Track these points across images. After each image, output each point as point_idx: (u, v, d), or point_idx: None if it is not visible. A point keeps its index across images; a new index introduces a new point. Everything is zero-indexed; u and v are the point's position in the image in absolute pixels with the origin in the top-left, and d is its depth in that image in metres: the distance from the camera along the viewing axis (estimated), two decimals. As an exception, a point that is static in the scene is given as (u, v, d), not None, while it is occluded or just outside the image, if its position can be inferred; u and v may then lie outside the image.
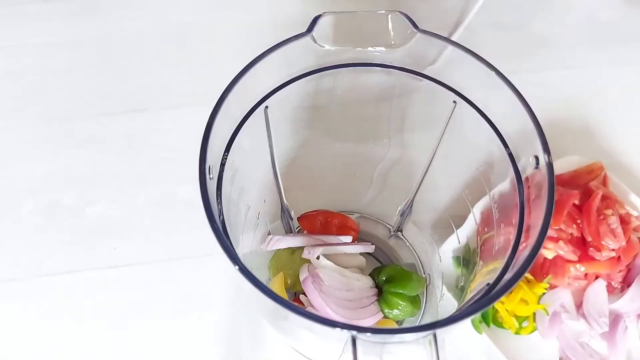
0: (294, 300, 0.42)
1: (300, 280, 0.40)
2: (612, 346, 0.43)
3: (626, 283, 0.46)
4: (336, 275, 0.40)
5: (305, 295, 0.39)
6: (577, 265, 0.45)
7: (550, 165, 0.29)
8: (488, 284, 0.29)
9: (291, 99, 0.36)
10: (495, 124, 0.33)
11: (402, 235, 0.47)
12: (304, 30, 0.33)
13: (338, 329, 0.25)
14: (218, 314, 0.46)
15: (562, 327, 0.44)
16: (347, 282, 0.40)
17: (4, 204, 0.52)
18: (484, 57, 0.32)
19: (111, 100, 0.58)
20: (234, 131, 0.33)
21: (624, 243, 0.44)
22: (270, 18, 0.63)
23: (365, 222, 0.48)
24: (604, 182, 0.49)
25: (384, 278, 0.42)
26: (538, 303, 0.44)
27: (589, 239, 0.45)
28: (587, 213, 0.45)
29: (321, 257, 0.40)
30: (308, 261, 0.41)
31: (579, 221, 0.46)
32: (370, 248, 0.45)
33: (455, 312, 0.32)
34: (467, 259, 0.39)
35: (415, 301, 0.41)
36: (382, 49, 0.35)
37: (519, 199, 0.31)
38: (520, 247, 0.30)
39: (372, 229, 0.48)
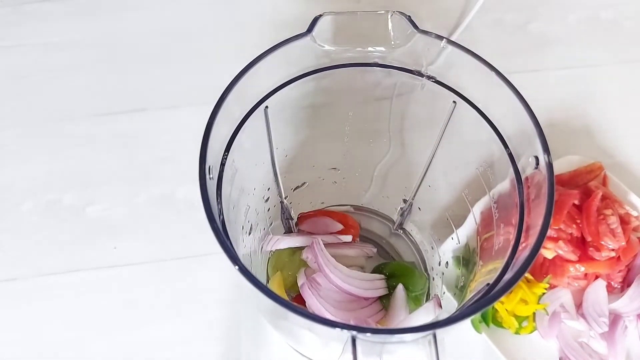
0: (293, 300, 0.42)
1: (298, 285, 0.40)
2: (611, 346, 0.43)
3: (626, 283, 0.46)
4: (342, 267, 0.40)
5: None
6: (577, 265, 0.45)
7: (550, 165, 0.29)
8: (488, 284, 0.29)
9: (291, 99, 0.36)
10: (495, 124, 0.33)
11: (402, 234, 0.47)
12: (304, 30, 0.33)
13: (338, 329, 0.25)
14: (218, 314, 0.46)
15: (561, 327, 0.44)
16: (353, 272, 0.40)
17: (4, 204, 0.52)
18: (484, 57, 0.32)
19: (111, 100, 0.58)
20: (234, 131, 0.33)
21: (623, 243, 0.44)
22: (270, 18, 0.63)
23: (365, 222, 0.48)
24: (604, 182, 0.49)
25: (387, 274, 0.42)
26: (538, 303, 0.44)
27: (589, 239, 0.45)
28: (587, 213, 0.46)
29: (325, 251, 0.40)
30: (307, 263, 0.41)
31: (578, 221, 0.46)
32: (371, 251, 0.45)
33: (455, 312, 0.32)
34: (467, 259, 0.39)
35: (417, 299, 0.41)
36: (382, 49, 0.35)
37: (518, 199, 0.31)
38: (520, 247, 0.30)
39: (373, 228, 0.48)
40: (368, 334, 0.25)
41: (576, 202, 0.46)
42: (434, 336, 0.26)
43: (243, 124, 0.34)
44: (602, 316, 0.44)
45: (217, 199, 0.30)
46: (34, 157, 0.55)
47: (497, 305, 0.44)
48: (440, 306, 0.36)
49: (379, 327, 0.39)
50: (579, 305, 0.45)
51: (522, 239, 0.30)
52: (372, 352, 0.26)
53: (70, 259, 0.49)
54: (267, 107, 0.35)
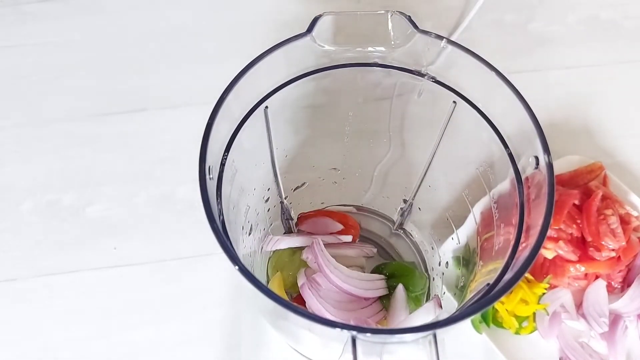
0: (293, 301, 0.42)
1: (298, 285, 0.40)
2: (611, 346, 0.43)
3: (626, 283, 0.46)
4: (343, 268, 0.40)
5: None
6: (577, 265, 0.45)
7: (550, 165, 0.29)
8: (488, 284, 0.29)
9: (291, 99, 0.36)
10: (495, 124, 0.33)
11: (402, 235, 0.47)
12: (304, 30, 0.33)
13: (338, 329, 0.25)
14: (218, 314, 0.46)
15: (562, 327, 0.44)
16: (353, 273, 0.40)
17: (4, 204, 0.52)
18: (484, 57, 0.32)
19: (111, 100, 0.58)
20: (234, 131, 0.33)
21: (624, 243, 0.44)
22: (270, 18, 0.63)
23: (365, 222, 0.48)
24: (604, 182, 0.49)
25: (387, 274, 0.42)
26: (538, 303, 0.44)
27: (589, 239, 0.45)
28: (587, 213, 0.45)
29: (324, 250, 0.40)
30: (307, 263, 0.41)
31: (579, 221, 0.46)
32: (371, 251, 0.45)
33: (456, 312, 0.32)
34: (467, 259, 0.39)
35: (417, 299, 0.41)
36: (382, 49, 0.35)
37: (518, 199, 0.31)
38: (520, 247, 0.30)
39: (373, 228, 0.48)
40: (368, 334, 0.25)
41: (576, 202, 0.46)
42: (434, 336, 0.26)
43: (243, 124, 0.34)
44: (603, 316, 0.44)
45: (217, 199, 0.30)
46: (34, 157, 0.55)
47: (497, 305, 0.44)
48: (441, 306, 0.36)
49: (379, 327, 0.39)
50: (579, 306, 0.45)
51: (522, 239, 0.30)
52: (372, 352, 0.26)
53: (70, 259, 0.49)
54: (267, 107, 0.35)
